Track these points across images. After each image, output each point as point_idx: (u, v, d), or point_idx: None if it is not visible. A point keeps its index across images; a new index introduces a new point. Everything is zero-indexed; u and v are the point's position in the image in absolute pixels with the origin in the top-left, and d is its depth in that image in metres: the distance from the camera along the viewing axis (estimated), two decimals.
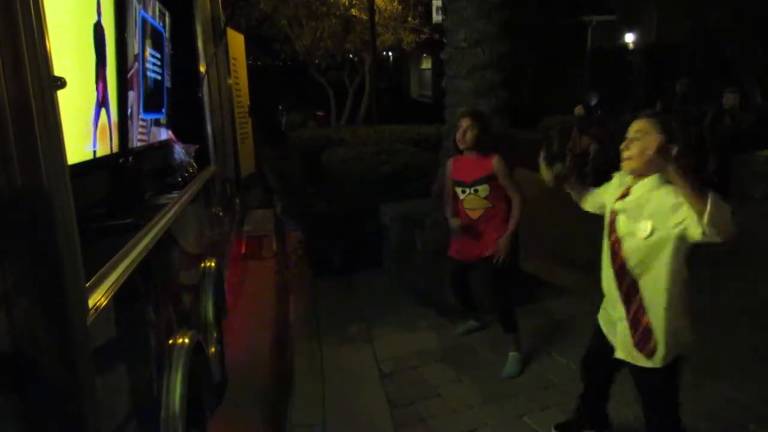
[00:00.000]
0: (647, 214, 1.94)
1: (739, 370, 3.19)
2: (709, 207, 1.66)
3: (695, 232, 1.77)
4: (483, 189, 3.25)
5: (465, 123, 3.25)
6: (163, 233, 2.08)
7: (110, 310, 1.45)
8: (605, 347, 2.24)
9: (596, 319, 2.36)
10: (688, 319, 2.05)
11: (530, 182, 3.53)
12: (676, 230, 1.86)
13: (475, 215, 3.32)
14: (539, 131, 9.93)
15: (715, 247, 1.90)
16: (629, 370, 2.18)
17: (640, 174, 1.99)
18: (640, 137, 1.94)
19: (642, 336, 2.04)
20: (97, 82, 2.01)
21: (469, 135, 3.23)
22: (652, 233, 1.92)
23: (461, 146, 3.29)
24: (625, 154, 1.99)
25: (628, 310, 2.08)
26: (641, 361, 2.07)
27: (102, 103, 2.06)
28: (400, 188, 5.16)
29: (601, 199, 2.27)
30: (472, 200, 3.30)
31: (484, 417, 2.89)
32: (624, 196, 2.05)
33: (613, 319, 2.19)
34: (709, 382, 3.04)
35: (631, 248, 2.01)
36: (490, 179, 3.23)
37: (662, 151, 1.87)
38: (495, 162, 3.23)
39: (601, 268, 2.21)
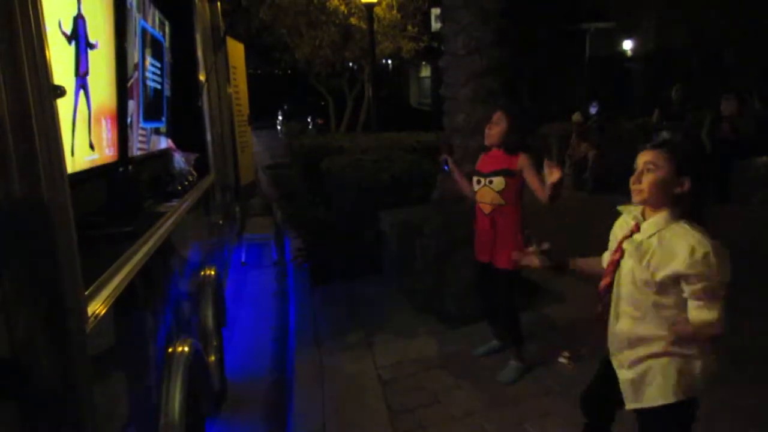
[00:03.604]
0: (654, 262, 1.82)
1: (739, 374, 3.18)
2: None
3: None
4: (498, 182, 3.13)
5: (495, 117, 3.18)
6: (162, 241, 2.09)
7: (109, 318, 1.45)
8: (610, 383, 2.08)
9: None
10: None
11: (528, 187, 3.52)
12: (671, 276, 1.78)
13: (486, 209, 3.22)
14: (538, 138, 9.96)
15: None
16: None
17: (651, 206, 1.88)
18: (652, 170, 1.83)
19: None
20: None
21: (495, 130, 3.15)
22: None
23: (487, 141, 3.21)
24: (636, 188, 1.88)
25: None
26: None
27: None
28: (400, 195, 5.16)
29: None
30: (486, 192, 3.20)
31: (484, 424, 2.88)
32: (633, 233, 1.92)
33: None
34: (708, 386, 3.03)
35: (626, 287, 1.93)
36: (507, 173, 3.11)
37: (673, 185, 1.81)
38: (521, 159, 3.11)
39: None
